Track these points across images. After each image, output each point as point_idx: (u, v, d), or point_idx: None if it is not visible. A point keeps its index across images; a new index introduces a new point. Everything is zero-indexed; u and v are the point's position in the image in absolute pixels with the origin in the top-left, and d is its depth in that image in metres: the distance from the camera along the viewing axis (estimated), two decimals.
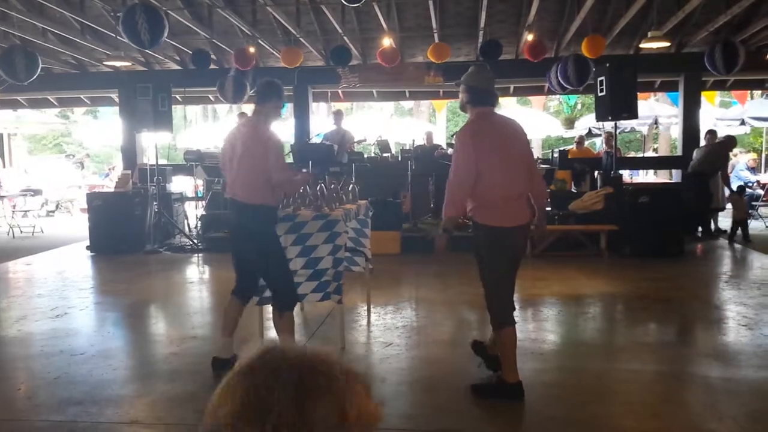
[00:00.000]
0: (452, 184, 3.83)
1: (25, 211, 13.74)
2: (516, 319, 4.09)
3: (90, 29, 10.65)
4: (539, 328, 5.56)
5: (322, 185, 5.76)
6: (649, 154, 21.27)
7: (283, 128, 18.63)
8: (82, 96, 15.44)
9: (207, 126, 23.56)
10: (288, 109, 18.85)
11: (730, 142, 11.13)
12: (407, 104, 21.55)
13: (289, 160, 10.98)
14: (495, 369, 4.13)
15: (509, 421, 3.58)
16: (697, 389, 4.02)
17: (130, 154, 12.96)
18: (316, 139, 12.01)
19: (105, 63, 11.38)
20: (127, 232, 9.92)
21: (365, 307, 6.06)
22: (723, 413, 3.62)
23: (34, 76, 9.73)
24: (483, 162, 3.74)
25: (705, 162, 10.64)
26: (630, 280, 7.42)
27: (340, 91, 13.79)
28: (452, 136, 11.57)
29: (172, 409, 3.77)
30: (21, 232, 12.54)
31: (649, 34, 9.43)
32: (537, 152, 20.71)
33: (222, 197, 10.38)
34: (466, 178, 3.76)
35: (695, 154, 10.92)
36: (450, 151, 11.76)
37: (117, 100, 13.87)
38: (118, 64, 10.92)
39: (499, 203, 3.82)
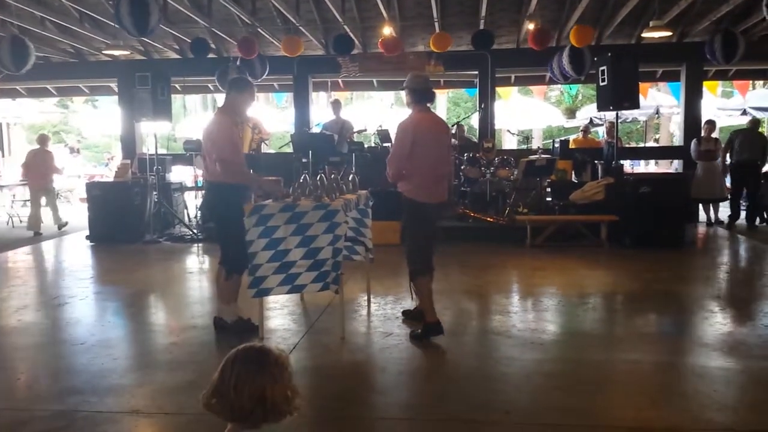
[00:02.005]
0: (391, 162, 4.89)
1: (25, 200, 13.72)
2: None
3: (88, 18, 10.61)
4: (539, 318, 5.56)
5: (322, 175, 5.75)
6: (650, 144, 21.26)
7: (284, 118, 18.65)
8: (81, 85, 15.41)
9: (206, 115, 23.49)
10: (288, 98, 18.83)
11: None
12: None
13: (288, 149, 10.98)
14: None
15: (509, 410, 3.57)
16: (696, 379, 4.01)
17: (129, 143, 12.94)
18: (315, 129, 11.98)
19: (104, 52, 11.34)
20: (127, 222, 9.91)
21: (365, 297, 6.06)
22: (723, 403, 3.62)
23: (26, 66, 9.68)
24: (418, 149, 4.75)
25: (754, 149, 10.67)
26: (630, 271, 7.41)
27: (340, 80, 13.76)
28: (453, 125, 11.54)
29: (173, 399, 3.77)
30: (21, 221, 12.52)
31: (651, 24, 9.40)
32: (538, 142, 20.68)
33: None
34: (401, 159, 4.81)
35: (736, 144, 10.84)
36: (452, 141, 11.75)
37: (116, 89, 13.83)
38: (116, 53, 10.88)
39: (426, 183, 4.84)
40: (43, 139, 11.74)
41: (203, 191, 5.19)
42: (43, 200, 11.60)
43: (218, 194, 4.99)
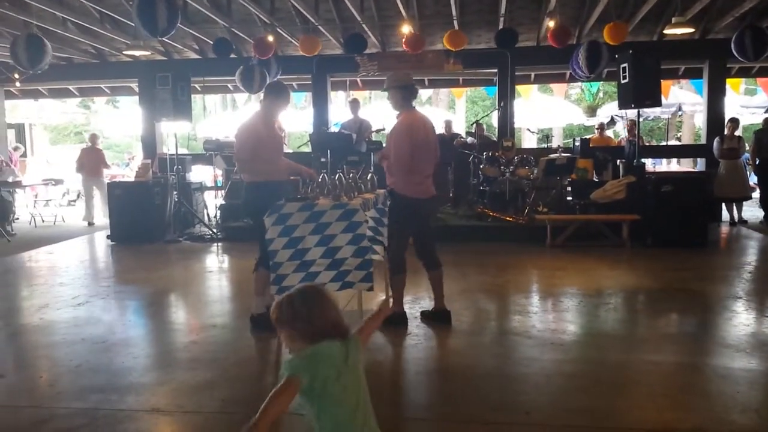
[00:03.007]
0: (394, 166, 5.04)
1: (47, 200, 13.91)
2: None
3: (109, 18, 10.70)
4: (559, 318, 5.51)
5: (341, 174, 5.74)
6: (672, 142, 21.02)
7: (302, 117, 18.69)
8: (102, 85, 15.56)
9: (226, 115, 23.64)
10: (306, 97, 18.87)
11: None
12: (426, 93, 21.41)
13: (307, 148, 11.00)
14: (444, 320, 5.25)
15: (529, 410, 3.54)
16: (719, 381, 3.95)
17: (149, 143, 13.05)
18: (334, 128, 11.99)
19: (124, 52, 11.43)
20: (148, 222, 9.99)
21: (383, 297, 6.04)
22: (746, 405, 3.56)
23: (42, 64, 9.76)
24: (414, 150, 4.94)
25: None
26: (652, 271, 7.32)
27: (358, 79, 13.75)
28: (472, 124, 11.49)
29: (192, 397, 3.79)
30: (43, 221, 12.69)
31: (673, 20, 9.28)
32: (558, 140, 20.55)
33: (241, 186, 10.43)
34: (406, 162, 4.96)
35: (765, 142, 10.67)
36: (470, 140, 11.70)
37: (137, 89, 13.95)
38: (137, 53, 10.96)
39: (417, 180, 5.04)
40: (93, 138, 12.99)
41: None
42: (97, 194, 12.47)
43: (248, 192, 5.28)
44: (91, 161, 12.52)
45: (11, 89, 14.17)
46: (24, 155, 17.46)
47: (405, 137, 4.96)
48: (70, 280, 7.33)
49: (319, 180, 5.64)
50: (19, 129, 19.51)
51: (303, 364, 1.97)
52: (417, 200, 5.11)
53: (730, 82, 13.77)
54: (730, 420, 3.37)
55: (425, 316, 5.40)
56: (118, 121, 22.74)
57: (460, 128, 18.97)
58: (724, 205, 11.18)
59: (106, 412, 3.62)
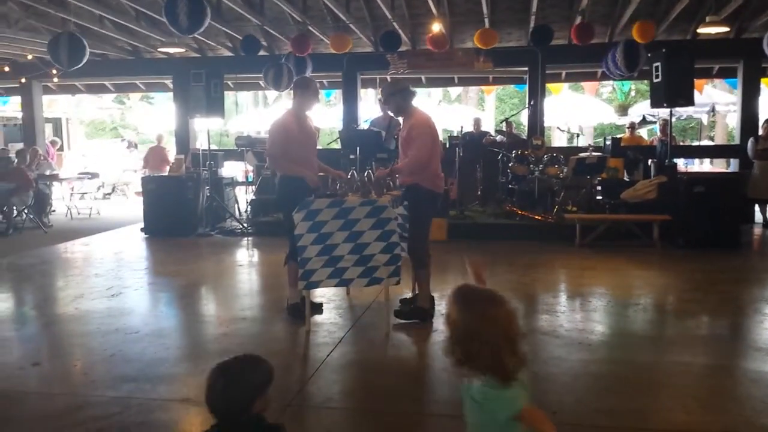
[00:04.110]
0: (420, 162, 5.10)
1: (83, 193, 14.19)
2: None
3: (145, 16, 10.87)
4: (587, 318, 5.49)
5: (369, 171, 5.78)
6: (705, 142, 20.68)
7: (332, 114, 18.78)
8: (137, 82, 15.81)
9: (257, 112, 23.83)
10: (336, 94, 18.95)
11: None
12: (455, 91, 21.36)
13: (336, 145, 11.06)
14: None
15: (556, 410, 3.55)
16: (750, 384, 3.91)
17: (183, 139, 13.24)
18: (363, 125, 12.02)
19: (159, 49, 11.60)
20: (180, 215, 10.14)
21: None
22: None
23: (80, 64, 9.96)
24: (435, 144, 5.18)
25: None
26: (683, 272, 7.24)
27: (388, 77, 13.77)
28: (501, 122, 11.44)
29: None
30: (78, 213, 12.96)
31: (708, 19, 9.14)
32: (589, 139, 20.32)
33: (271, 182, 10.54)
34: (427, 157, 5.09)
35: None
36: (499, 138, 11.66)
37: (171, 86, 14.15)
38: (172, 50, 11.13)
39: (435, 174, 5.23)
40: (159, 138, 14.47)
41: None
42: None
43: (280, 186, 5.45)
44: (156, 158, 13.86)
45: (48, 84, 14.47)
46: (61, 149, 17.82)
47: (428, 134, 5.13)
48: (104, 271, 7.49)
49: (348, 177, 5.70)
50: (56, 123, 19.91)
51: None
52: (438, 194, 5.33)
53: (765, 82, 13.51)
54: (760, 424, 3.34)
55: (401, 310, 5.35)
56: (152, 117, 23.11)
57: (489, 126, 18.90)
58: (757, 207, 10.98)
59: (138, 400, 3.72)
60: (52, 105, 19.15)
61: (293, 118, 5.30)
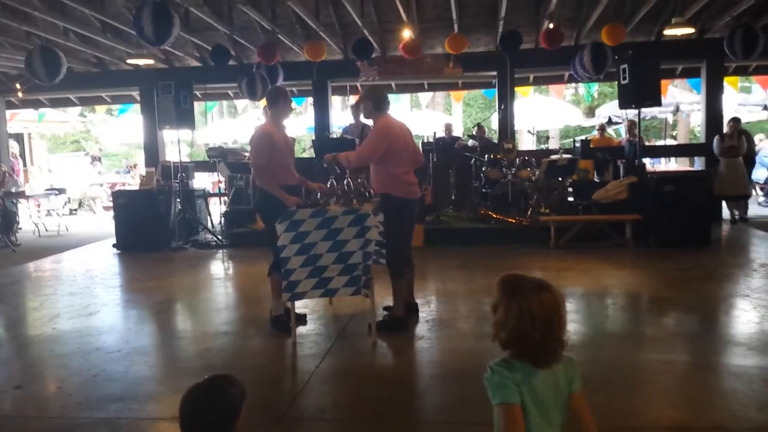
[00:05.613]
0: (360, 158, 5.29)
1: (49, 210, 13.92)
2: None
3: (111, 27, 10.72)
4: (567, 319, 5.54)
5: (348, 180, 5.79)
6: (669, 141, 21.09)
7: (301, 122, 18.72)
8: (103, 95, 15.57)
9: (224, 122, 23.67)
10: (307, 103, 18.90)
11: None
12: (424, 97, 21.47)
13: (306, 155, 11.05)
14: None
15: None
16: (734, 378, 3.99)
17: (152, 151, 13.06)
18: (337, 132, 12.02)
19: (127, 61, 11.45)
20: (153, 230, 9.98)
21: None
22: (762, 402, 3.60)
23: (59, 77, 9.81)
24: (394, 151, 5.09)
25: None
26: (657, 270, 7.37)
27: (359, 84, 13.79)
28: (473, 127, 11.52)
29: None
30: (46, 230, 12.71)
31: (673, 21, 9.34)
32: (556, 142, 20.60)
33: (245, 193, 10.46)
34: (371, 158, 5.16)
35: None
36: (471, 142, 11.75)
37: (138, 97, 13.97)
38: (139, 62, 10.99)
39: (405, 181, 5.19)
40: None
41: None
42: None
43: (261, 197, 5.35)
44: None
45: (12, 99, 14.18)
46: (24, 165, 17.47)
47: (383, 136, 5.13)
48: (78, 289, 7.35)
49: (327, 186, 5.70)
50: (18, 138, 19.51)
51: None
52: (413, 200, 5.30)
53: (728, 81, 13.84)
54: (748, 417, 3.41)
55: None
56: (115, 130, 22.75)
57: (458, 131, 19.01)
58: (724, 204, 11.25)
59: (127, 420, 3.66)
60: (13, 119, 18.76)
61: (274, 128, 5.28)
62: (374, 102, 5.24)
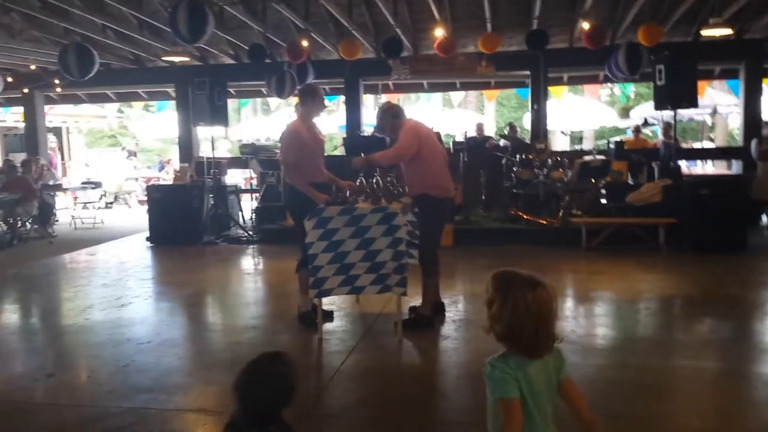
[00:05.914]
0: (393, 157, 5.35)
1: (86, 202, 14.19)
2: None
3: (147, 25, 10.88)
4: (597, 323, 5.49)
5: (378, 178, 5.79)
6: (706, 143, 20.68)
7: (333, 120, 18.79)
8: (139, 90, 15.82)
9: (257, 119, 23.86)
10: (337, 101, 18.97)
11: None
12: (456, 96, 21.35)
13: (337, 152, 11.08)
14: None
15: (572, 417, 3.54)
16: (765, 388, 3.91)
17: (186, 147, 13.24)
18: (367, 130, 12.04)
19: (162, 58, 11.62)
20: (186, 224, 10.13)
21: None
22: None
23: (91, 73, 9.98)
24: (427, 152, 5.16)
25: None
26: (690, 275, 7.24)
27: (391, 83, 13.80)
28: (504, 127, 11.46)
29: None
30: (82, 223, 12.96)
31: (711, 21, 9.15)
32: (590, 143, 20.33)
33: (276, 189, 10.55)
34: (405, 155, 5.17)
35: None
36: (502, 142, 11.68)
37: (173, 94, 14.16)
38: (175, 59, 11.14)
39: (441, 178, 5.28)
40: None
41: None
42: None
43: (291, 193, 5.38)
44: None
45: (50, 94, 14.48)
46: (62, 159, 17.84)
47: (413, 136, 5.16)
48: (112, 281, 7.49)
49: (357, 184, 5.71)
50: (57, 133, 19.92)
51: None
52: (448, 198, 5.40)
53: (767, 82, 13.52)
54: None
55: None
56: (152, 126, 23.08)
57: (490, 131, 18.88)
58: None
59: (155, 411, 3.72)
60: (51, 113, 19.16)
61: (304, 126, 5.31)
62: (393, 114, 5.33)
